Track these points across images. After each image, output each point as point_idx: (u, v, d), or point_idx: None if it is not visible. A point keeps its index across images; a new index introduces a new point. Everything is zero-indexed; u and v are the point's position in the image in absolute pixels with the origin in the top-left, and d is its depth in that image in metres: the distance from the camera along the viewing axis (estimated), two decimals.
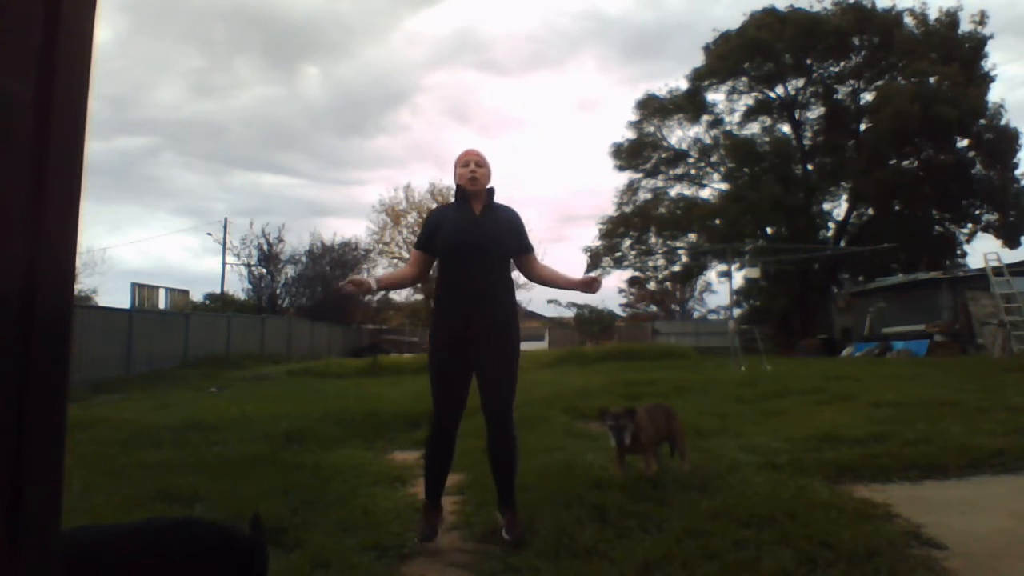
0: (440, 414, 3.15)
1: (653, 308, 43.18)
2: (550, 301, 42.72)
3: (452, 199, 3.39)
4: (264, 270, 29.95)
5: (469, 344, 3.08)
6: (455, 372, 3.12)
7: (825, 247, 25.88)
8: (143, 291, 19.79)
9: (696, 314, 41.82)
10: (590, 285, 3.28)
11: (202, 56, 67.29)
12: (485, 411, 3.11)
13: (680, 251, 31.31)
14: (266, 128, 64.87)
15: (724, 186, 29.92)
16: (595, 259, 30.82)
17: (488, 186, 3.29)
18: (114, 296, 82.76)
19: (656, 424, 3.94)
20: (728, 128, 30.12)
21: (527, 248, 3.34)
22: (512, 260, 3.34)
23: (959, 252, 27.26)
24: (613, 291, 40.55)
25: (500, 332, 3.12)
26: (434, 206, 33.26)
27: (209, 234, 55.66)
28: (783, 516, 2.97)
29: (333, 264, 30.60)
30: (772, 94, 29.24)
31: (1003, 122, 25.62)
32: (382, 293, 34.08)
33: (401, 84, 73.88)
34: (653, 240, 31.36)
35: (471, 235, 3.14)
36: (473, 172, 3.23)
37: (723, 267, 23.60)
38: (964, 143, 26.09)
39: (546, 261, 4.07)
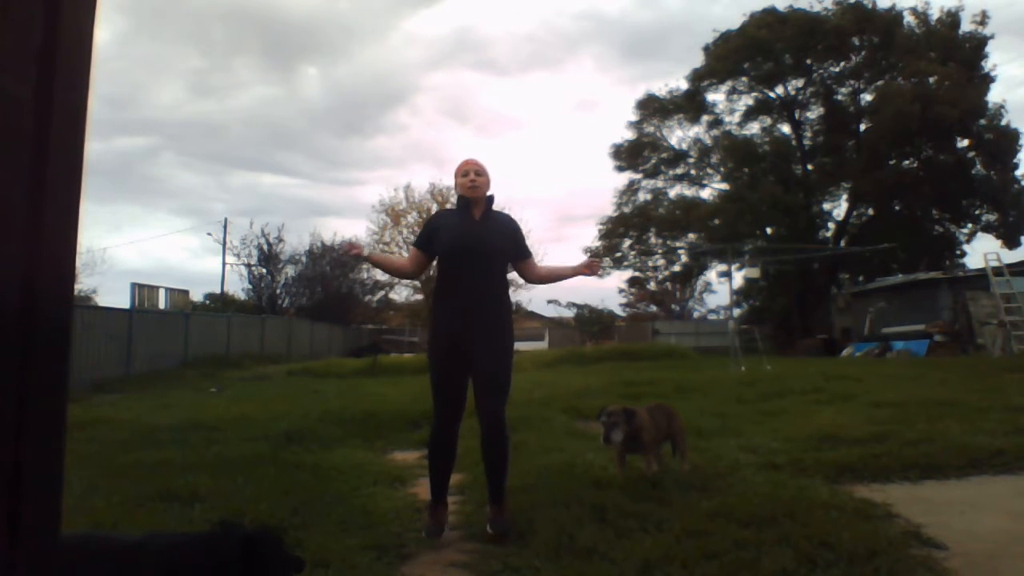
0: (441, 413, 3.25)
1: (653, 308, 43.15)
2: (550, 301, 42.70)
3: (452, 200, 3.44)
4: (264, 270, 29.96)
5: (466, 345, 3.17)
6: (454, 372, 3.22)
7: (825, 247, 25.86)
8: (143, 291, 19.76)
9: (696, 314, 41.78)
10: (591, 267, 3.38)
11: (201, 56, 67.31)
12: (479, 411, 3.20)
13: (680, 251, 31.32)
14: (266, 128, 64.93)
15: (724, 186, 29.88)
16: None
17: (488, 194, 3.39)
18: (114, 296, 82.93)
19: (657, 424, 3.94)
20: (728, 128, 30.12)
21: (526, 254, 3.45)
22: (512, 266, 3.46)
23: (959, 252, 27.30)
24: (613, 291, 40.60)
25: (495, 334, 3.21)
26: (434, 206, 33.35)
27: (209, 234, 55.70)
28: (783, 516, 2.97)
29: (333, 264, 30.60)
30: (772, 94, 29.22)
31: (1003, 122, 25.62)
32: (382, 293, 34.26)
33: (400, 84, 73.95)
34: (653, 240, 31.36)
35: (470, 240, 3.24)
36: (473, 181, 3.33)
37: (723, 267, 23.59)
38: (964, 143, 26.09)
39: (546, 262, 4.12)
